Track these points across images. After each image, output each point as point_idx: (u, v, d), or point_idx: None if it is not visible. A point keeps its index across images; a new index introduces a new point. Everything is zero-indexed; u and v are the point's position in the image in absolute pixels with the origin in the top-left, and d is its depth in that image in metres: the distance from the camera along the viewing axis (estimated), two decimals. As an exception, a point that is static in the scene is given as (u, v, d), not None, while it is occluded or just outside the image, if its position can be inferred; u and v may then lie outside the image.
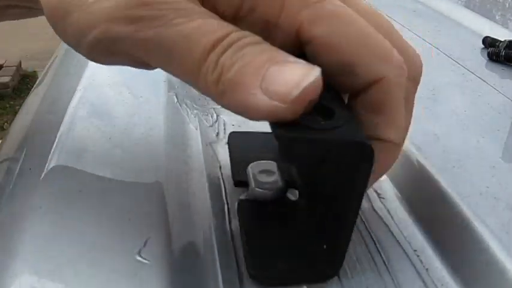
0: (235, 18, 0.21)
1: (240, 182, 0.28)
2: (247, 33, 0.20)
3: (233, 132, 0.32)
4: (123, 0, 0.20)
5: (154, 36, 0.20)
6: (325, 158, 0.23)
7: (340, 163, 0.23)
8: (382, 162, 0.22)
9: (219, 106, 0.36)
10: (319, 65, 0.19)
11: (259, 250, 0.23)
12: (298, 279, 0.22)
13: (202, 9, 0.20)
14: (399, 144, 0.23)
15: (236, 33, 0.19)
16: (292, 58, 0.19)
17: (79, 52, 0.22)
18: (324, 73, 0.19)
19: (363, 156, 0.19)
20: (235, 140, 0.31)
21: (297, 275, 0.23)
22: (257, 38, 0.20)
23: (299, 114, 0.19)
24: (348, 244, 0.22)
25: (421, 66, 0.24)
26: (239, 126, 0.34)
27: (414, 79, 0.24)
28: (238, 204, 0.26)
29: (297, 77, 0.18)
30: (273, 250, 0.24)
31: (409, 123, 0.24)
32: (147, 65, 0.22)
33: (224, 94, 0.19)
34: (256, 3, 0.21)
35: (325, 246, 0.23)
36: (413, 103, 0.24)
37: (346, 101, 0.23)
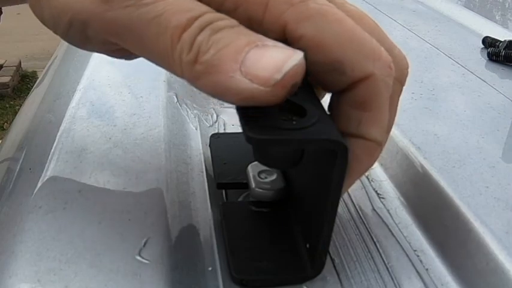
0: None
1: (222, 184, 0.27)
2: (222, 15, 0.19)
3: (214, 134, 0.31)
4: None
5: (125, 16, 0.19)
6: (300, 157, 0.23)
7: (315, 162, 0.22)
8: (363, 161, 0.22)
9: (219, 106, 0.37)
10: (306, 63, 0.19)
11: (242, 253, 0.23)
12: (281, 280, 0.22)
13: None
14: (381, 144, 0.22)
15: (211, 14, 0.19)
16: (270, 42, 0.19)
17: (58, 35, 0.22)
18: (308, 67, 0.19)
19: (337, 153, 0.19)
20: (217, 142, 0.30)
21: (280, 277, 0.22)
22: (233, 21, 0.19)
23: (282, 98, 0.18)
24: (329, 243, 0.22)
25: (407, 68, 0.24)
26: (239, 126, 0.34)
27: (400, 80, 0.23)
28: (220, 207, 0.26)
29: (279, 61, 0.18)
30: (256, 253, 0.24)
31: (392, 124, 0.24)
32: (123, 52, 0.21)
33: (201, 76, 0.18)
34: (240, 0, 0.20)
35: (308, 246, 0.23)
36: (397, 104, 0.24)
37: (329, 97, 0.23)
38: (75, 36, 0.22)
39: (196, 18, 0.19)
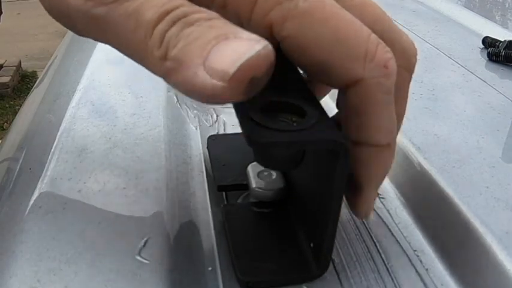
0: None
1: (223, 186, 0.27)
2: (200, 8, 0.18)
3: (211, 135, 0.31)
4: None
5: (107, 14, 0.19)
6: (301, 158, 0.23)
7: (316, 162, 0.22)
8: (375, 166, 0.21)
9: (220, 106, 0.37)
10: (295, 63, 0.18)
11: (246, 255, 0.23)
12: (286, 281, 0.22)
13: None
14: (388, 146, 0.21)
15: (186, 7, 0.18)
16: (246, 34, 0.17)
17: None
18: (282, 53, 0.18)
19: (337, 153, 0.19)
20: (214, 143, 0.30)
21: (285, 277, 0.22)
22: (210, 14, 0.18)
23: (242, 94, 0.17)
24: (333, 242, 0.22)
25: (415, 56, 0.23)
26: (239, 126, 0.34)
27: (407, 68, 0.22)
28: (222, 209, 0.26)
29: (239, 53, 0.16)
30: (260, 253, 0.23)
31: (403, 115, 0.23)
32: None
33: (169, 72, 0.17)
34: None
35: (312, 245, 0.23)
36: (407, 93, 0.23)
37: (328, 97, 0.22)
38: (72, 29, 0.21)
39: (170, 11, 0.18)
